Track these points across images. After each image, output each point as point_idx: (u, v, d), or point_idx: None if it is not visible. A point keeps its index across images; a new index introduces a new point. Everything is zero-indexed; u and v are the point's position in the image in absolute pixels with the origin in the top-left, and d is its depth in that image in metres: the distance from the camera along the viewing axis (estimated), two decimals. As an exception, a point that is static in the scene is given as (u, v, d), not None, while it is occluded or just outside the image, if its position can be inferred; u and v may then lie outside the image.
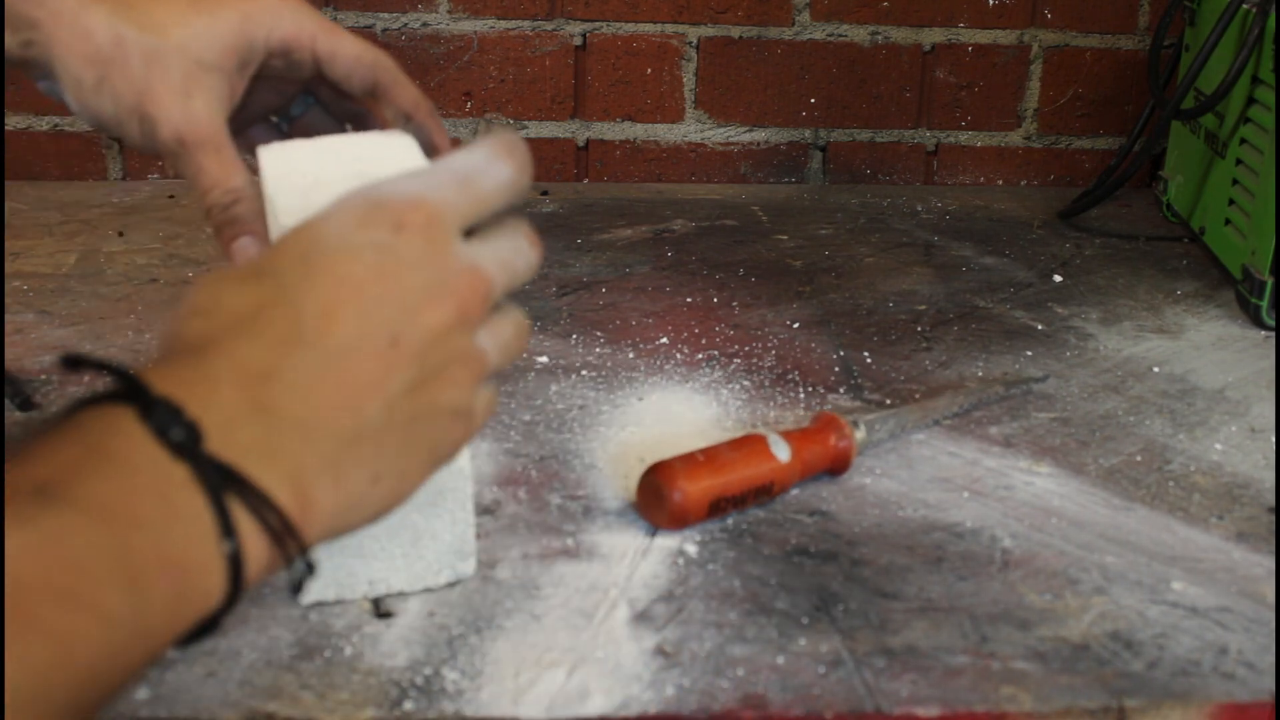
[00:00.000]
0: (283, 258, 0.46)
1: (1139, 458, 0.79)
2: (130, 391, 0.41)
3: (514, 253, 0.51)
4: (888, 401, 0.85)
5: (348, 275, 0.45)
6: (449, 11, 1.26)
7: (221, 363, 0.42)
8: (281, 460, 0.42)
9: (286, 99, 0.68)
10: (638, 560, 0.66)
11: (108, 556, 0.36)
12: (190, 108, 0.59)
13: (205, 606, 0.40)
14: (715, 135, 1.32)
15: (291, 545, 0.42)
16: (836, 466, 0.74)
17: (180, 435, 0.40)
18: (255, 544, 0.41)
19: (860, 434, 0.75)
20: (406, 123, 0.67)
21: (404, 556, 0.62)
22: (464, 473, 0.61)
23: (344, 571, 0.61)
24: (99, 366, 0.42)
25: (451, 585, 0.63)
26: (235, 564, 0.40)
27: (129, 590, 0.37)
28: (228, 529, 0.39)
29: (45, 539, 0.36)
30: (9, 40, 0.59)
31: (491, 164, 0.50)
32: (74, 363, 0.42)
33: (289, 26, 0.62)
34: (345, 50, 0.64)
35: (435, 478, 0.59)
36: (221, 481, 0.40)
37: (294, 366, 0.43)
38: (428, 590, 0.63)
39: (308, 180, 0.56)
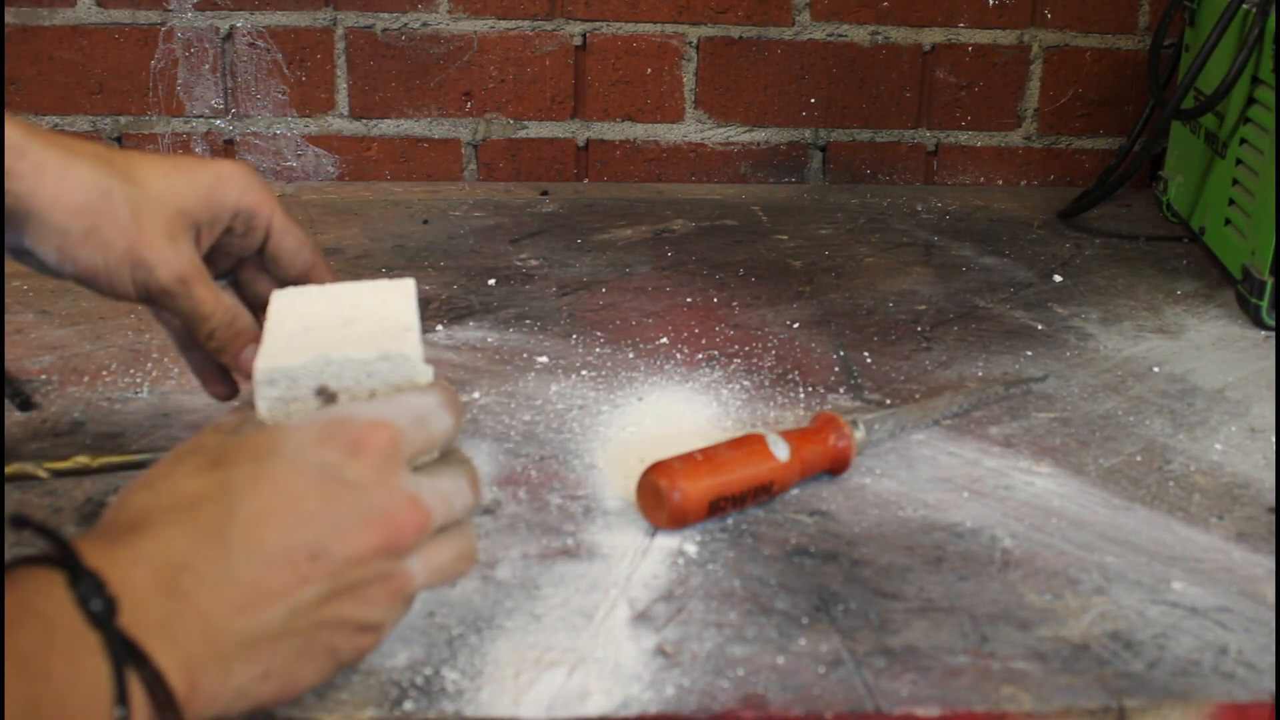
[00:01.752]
0: (240, 455, 0.50)
1: (1139, 458, 0.79)
2: (65, 559, 0.45)
3: (455, 492, 0.54)
4: (888, 401, 0.85)
5: (289, 488, 0.49)
6: (449, 11, 1.26)
7: (149, 545, 0.47)
8: (179, 645, 0.45)
9: (225, 267, 0.71)
10: (638, 560, 0.66)
11: (20, 701, 0.41)
12: (180, 249, 0.63)
13: None
14: (715, 135, 1.32)
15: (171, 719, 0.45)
16: (836, 466, 0.74)
17: (99, 607, 0.44)
18: (142, 715, 0.44)
19: (860, 434, 0.75)
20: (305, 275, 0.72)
21: None
22: None
23: None
24: (42, 531, 0.45)
25: (455, 588, 0.63)
26: None
27: None
28: (122, 697, 0.43)
29: None
30: None
31: (440, 411, 0.54)
32: (20, 523, 0.46)
33: (255, 195, 0.66)
34: (295, 231, 0.70)
35: None
36: (125, 655, 0.44)
37: (211, 563, 0.47)
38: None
39: (300, 325, 0.60)
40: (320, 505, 0.49)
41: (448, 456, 0.55)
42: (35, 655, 0.42)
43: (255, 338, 0.67)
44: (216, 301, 0.65)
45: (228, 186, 0.65)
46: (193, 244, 0.64)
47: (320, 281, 0.71)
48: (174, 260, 0.63)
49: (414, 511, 0.51)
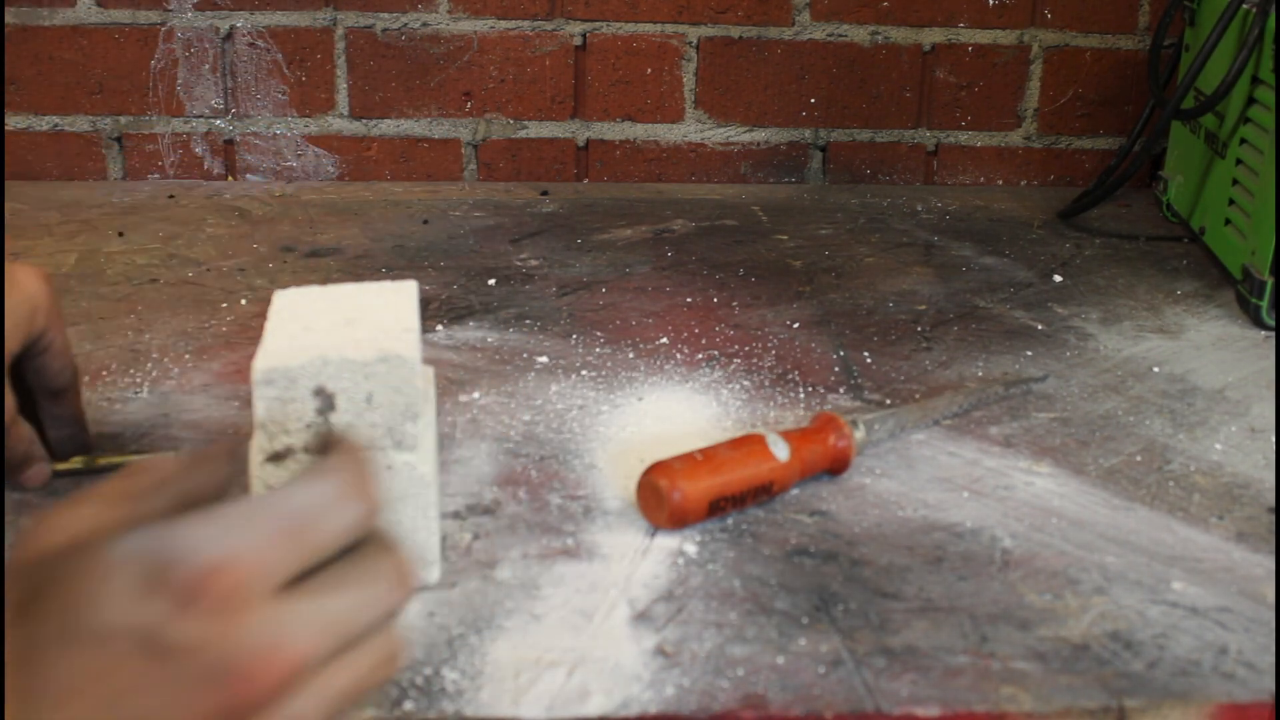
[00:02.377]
0: (48, 608, 0.40)
1: (1139, 458, 0.79)
2: None
3: (356, 608, 0.43)
4: (888, 401, 0.85)
5: (98, 662, 0.39)
6: (449, 11, 1.26)
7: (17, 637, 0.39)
8: None
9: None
10: (638, 560, 0.66)
11: None
12: None
13: None
14: (715, 135, 1.32)
15: None
16: (836, 466, 0.74)
17: None
18: None
19: (860, 434, 0.75)
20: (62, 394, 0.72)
21: None
22: (425, 480, 0.61)
23: None
24: None
25: (455, 588, 0.63)
26: None
27: None
28: None
29: None
30: None
31: (336, 506, 0.43)
32: None
33: (50, 310, 0.67)
34: (67, 344, 0.70)
35: (394, 483, 0.60)
36: None
37: (58, 660, 0.39)
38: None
39: (300, 325, 0.60)
40: (136, 681, 0.39)
41: (362, 550, 0.44)
42: None
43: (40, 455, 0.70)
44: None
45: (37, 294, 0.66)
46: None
47: (73, 405, 0.73)
48: None
49: (272, 660, 0.40)
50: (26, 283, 0.67)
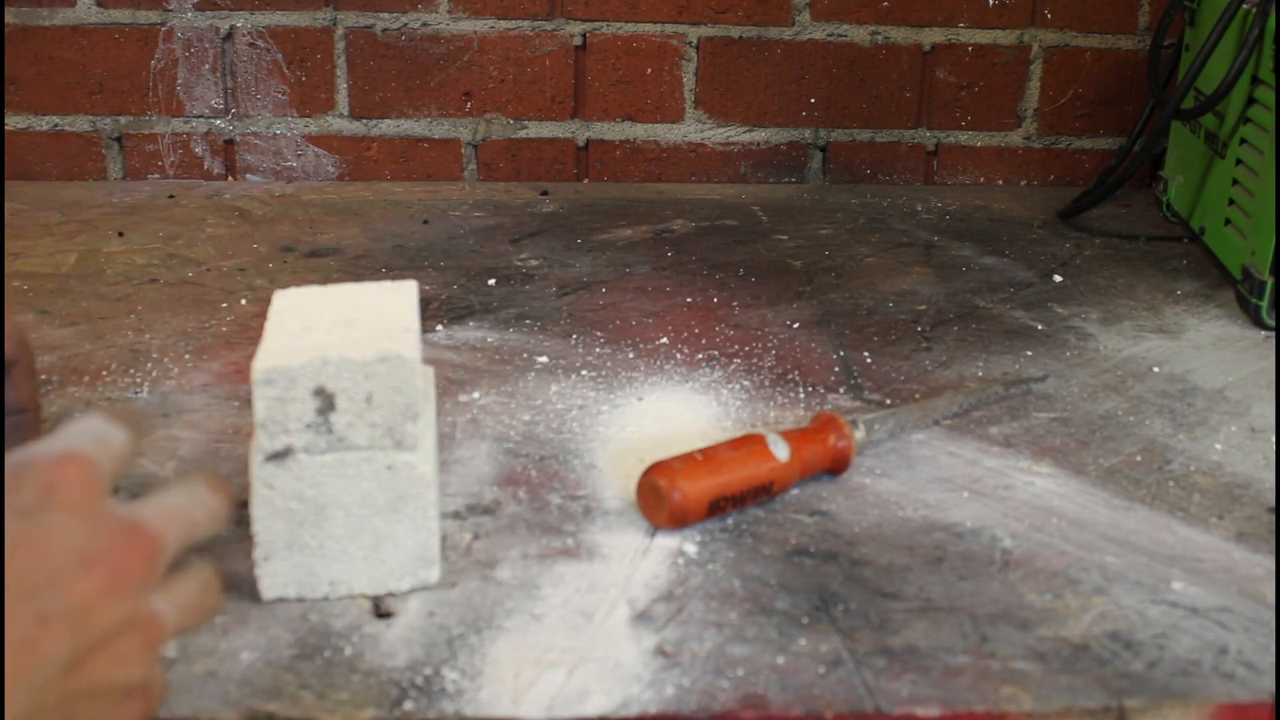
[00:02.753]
0: None
1: (1139, 458, 0.79)
2: None
3: (189, 503, 0.48)
4: (888, 401, 0.85)
5: None
6: (449, 11, 1.26)
7: None
8: None
9: None
10: (638, 560, 0.66)
11: None
12: None
13: None
14: (715, 135, 1.32)
15: None
16: (836, 466, 0.74)
17: None
18: None
19: (860, 434, 0.75)
20: (19, 415, 0.67)
21: (365, 560, 0.62)
22: (425, 480, 0.61)
23: (304, 570, 0.61)
24: None
25: (455, 588, 0.63)
26: None
27: None
28: None
29: None
30: None
31: (114, 430, 0.48)
32: None
33: None
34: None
35: (394, 483, 0.60)
36: None
37: None
38: (391, 594, 0.63)
39: (300, 325, 0.60)
40: (27, 562, 0.42)
41: (180, 476, 0.49)
42: None
43: None
44: None
45: None
46: None
47: (18, 383, 0.67)
48: None
49: (137, 537, 0.45)
50: None
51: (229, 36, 1.25)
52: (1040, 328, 0.98)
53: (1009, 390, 0.86)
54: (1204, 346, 0.95)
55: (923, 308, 1.01)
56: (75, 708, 0.42)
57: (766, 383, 0.87)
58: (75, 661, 0.42)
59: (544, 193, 1.28)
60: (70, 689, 0.42)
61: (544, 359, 0.89)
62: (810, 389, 0.86)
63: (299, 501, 0.60)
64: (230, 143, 1.29)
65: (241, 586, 0.63)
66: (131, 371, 0.86)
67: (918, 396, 0.85)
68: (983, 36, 1.30)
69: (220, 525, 0.50)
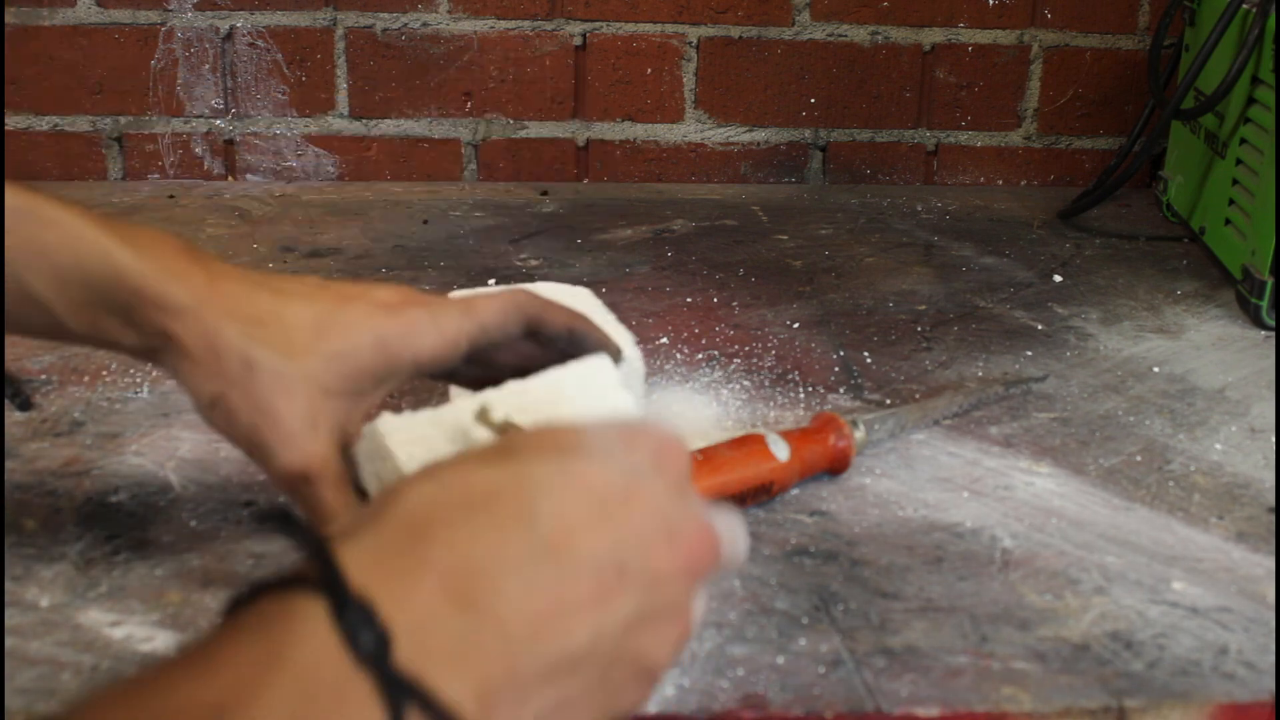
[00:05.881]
0: (539, 447, 0.44)
1: (1139, 458, 0.79)
2: (323, 581, 0.38)
3: (734, 535, 0.48)
4: (888, 401, 0.85)
5: (599, 489, 0.43)
6: (449, 11, 1.26)
7: (435, 550, 0.39)
8: (473, 665, 0.38)
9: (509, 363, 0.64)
10: (638, 560, 0.66)
11: None
12: (311, 440, 0.56)
13: None
14: (715, 135, 1.32)
15: None
16: (836, 467, 0.74)
17: (369, 643, 0.37)
18: None
19: (859, 434, 0.75)
20: (569, 336, 0.64)
21: None
22: None
23: None
24: (298, 536, 0.39)
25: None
26: None
27: None
28: None
29: None
30: (134, 339, 0.56)
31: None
32: (274, 520, 0.40)
33: (429, 342, 0.57)
34: (491, 320, 0.60)
35: None
36: (404, 696, 0.36)
37: (513, 565, 0.40)
38: None
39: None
40: (629, 516, 0.43)
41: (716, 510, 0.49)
42: (294, 711, 0.35)
43: None
44: (341, 506, 0.57)
45: (393, 346, 0.56)
46: (334, 429, 0.57)
47: (549, 323, 0.63)
48: (299, 454, 0.55)
49: (708, 536, 0.45)
50: (396, 316, 0.58)
51: (229, 36, 1.25)
52: (1040, 328, 0.98)
53: (1009, 390, 0.86)
54: (1204, 346, 0.95)
55: (923, 308, 1.01)
56: (615, 669, 0.43)
57: (766, 383, 0.87)
58: (632, 625, 0.42)
59: (544, 193, 1.28)
60: (621, 649, 0.42)
61: (544, 359, 0.89)
62: (810, 389, 0.86)
63: None
64: (230, 143, 1.29)
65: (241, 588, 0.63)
66: (131, 371, 0.86)
67: (918, 396, 0.85)
68: (983, 36, 1.30)
69: (738, 567, 0.50)
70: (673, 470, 0.45)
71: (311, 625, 0.37)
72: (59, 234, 0.55)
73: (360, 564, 0.38)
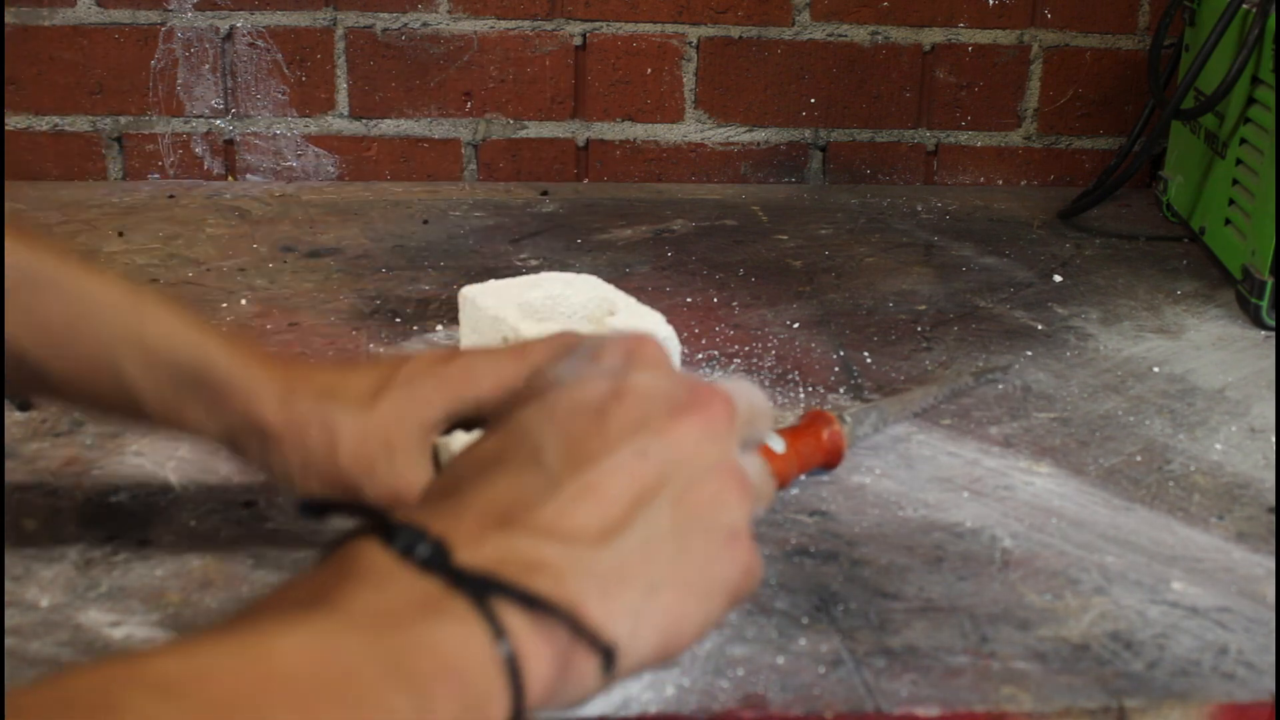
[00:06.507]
0: (522, 403, 0.47)
1: (1139, 458, 0.79)
2: (374, 525, 0.41)
3: (740, 386, 0.51)
4: (873, 399, 0.85)
5: (588, 402, 0.46)
6: (449, 11, 1.26)
7: (465, 499, 0.43)
8: (540, 567, 0.40)
9: None
10: (638, 560, 0.66)
11: (382, 660, 0.36)
12: (394, 476, 0.57)
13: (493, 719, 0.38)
14: (715, 135, 1.32)
15: (582, 636, 0.40)
16: (830, 460, 0.74)
17: (426, 552, 0.39)
18: (533, 646, 0.39)
19: (848, 426, 0.75)
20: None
21: None
22: None
23: None
24: (346, 510, 0.43)
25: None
26: (513, 669, 0.38)
27: (411, 694, 0.36)
28: (499, 631, 0.38)
29: (315, 639, 0.36)
30: (215, 426, 0.59)
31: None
32: (318, 510, 0.44)
33: (489, 384, 0.58)
34: (544, 361, 0.59)
35: None
36: (482, 587, 0.39)
37: (539, 496, 0.42)
38: None
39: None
40: (624, 408, 0.45)
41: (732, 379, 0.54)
42: (380, 612, 0.37)
43: None
44: None
45: (454, 390, 0.58)
46: (422, 459, 0.58)
47: None
48: (386, 487, 0.57)
49: (715, 394, 0.47)
50: (452, 362, 0.59)
51: (229, 36, 1.25)
52: (1040, 328, 0.98)
53: (978, 381, 0.86)
54: (1204, 346, 0.95)
55: (923, 308, 1.01)
56: (689, 540, 0.44)
57: (766, 383, 0.87)
58: (679, 496, 0.44)
59: (544, 193, 1.28)
60: (680, 522, 0.44)
61: (544, 359, 0.89)
62: (810, 389, 0.86)
63: None
64: (230, 143, 1.29)
65: (240, 587, 0.63)
66: (131, 371, 0.86)
67: (897, 391, 0.85)
68: (983, 36, 1.30)
69: (770, 426, 0.54)
70: (650, 359, 0.48)
71: (371, 551, 0.40)
72: (157, 327, 0.58)
73: (401, 516, 0.41)
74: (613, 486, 0.43)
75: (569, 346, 0.59)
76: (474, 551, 0.40)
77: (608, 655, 0.41)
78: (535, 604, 0.39)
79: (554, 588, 0.40)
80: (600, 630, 0.41)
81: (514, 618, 0.39)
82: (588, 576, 0.41)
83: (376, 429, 0.57)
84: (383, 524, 0.40)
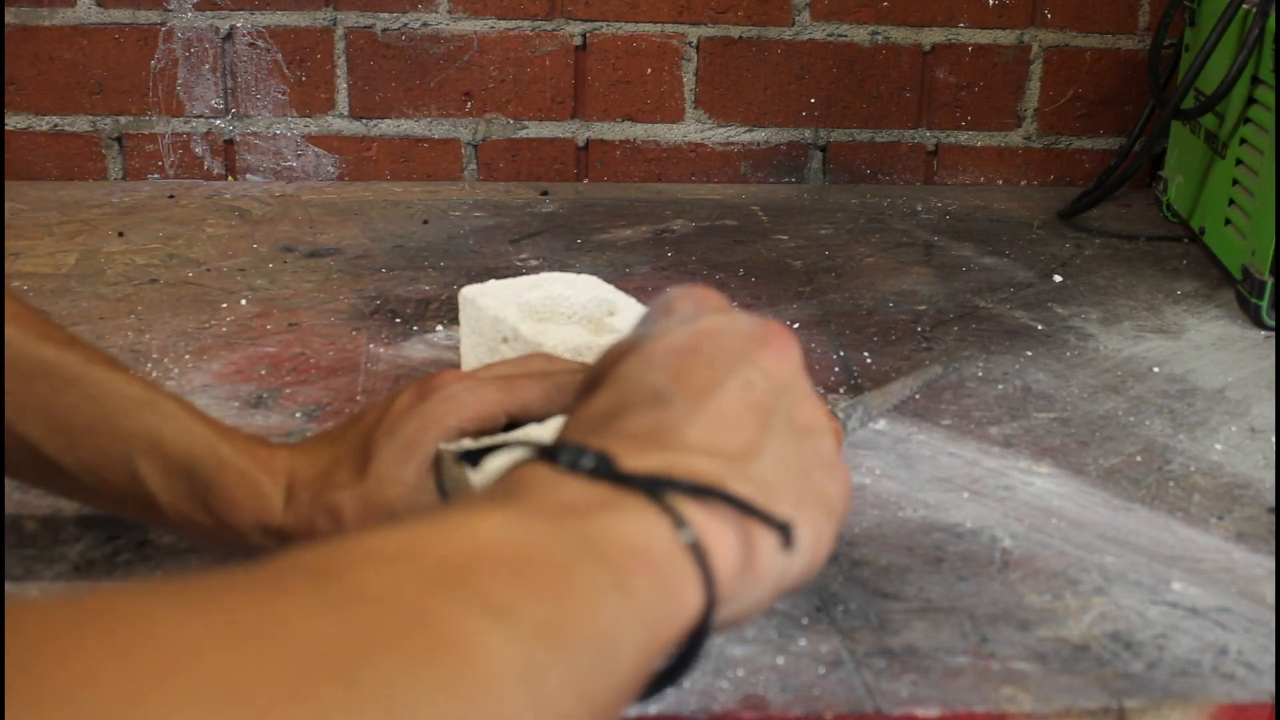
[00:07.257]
0: (611, 364, 0.48)
1: (1139, 458, 0.79)
2: (534, 455, 0.42)
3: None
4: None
5: (677, 344, 0.46)
6: (449, 11, 1.26)
7: (612, 430, 0.44)
8: (699, 473, 0.42)
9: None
10: (638, 560, 0.66)
11: (575, 542, 0.37)
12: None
13: (688, 608, 0.39)
14: (715, 135, 1.32)
15: (757, 516, 0.42)
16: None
17: (591, 463, 0.41)
18: (714, 535, 0.41)
19: (840, 418, 0.75)
20: None
21: None
22: None
23: None
24: (503, 446, 0.46)
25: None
26: (700, 554, 0.40)
27: (608, 570, 0.37)
28: (679, 520, 0.40)
29: (510, 522, 0.37)
30: (224, 536, 0.59)
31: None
32: (476, 457, 0.45)
33: (470, 413, 0.59)
34: (532, 400, 0.62)
35: None
36: (653, 485, 0.40)
37: (679, 419, 0.44)
38: None
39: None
40: (714, 344, 0.46)
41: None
42: (560, 507, 0.39)
43: None
44: None
45: (435, 423, 0.59)
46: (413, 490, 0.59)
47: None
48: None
49: (780, 325, 0.49)
50: (430, 387, 0.61)
51: (229, 36, 1.25)
52: (1040, 328, 0.98)
53: (946, 370, 0.87)
54: (1204, 346, 0.95)
55: (923, 308, 1.01)
56: (806, 461, 0.46)
57: (766, 383, 0.87)
58: (788, 419, 0.46)
59: (544, 193, 1.28)
60: (796, 445, 0.46)
61: (544, 359, 0.89)
62: (810, 389, 0.86)
63: None
64: (230, 143, 1.29)
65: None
66: (131, 370, 0.86)
67: (871, 386, 0.85)
68: (983, 36, 1.30)
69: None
70: (716, 303, 0.49)
71: (536, 471, 0.41)
72: (174, 427, 0.59)
73: (559, 439, 0.43)
74: (735, 413, 0.45)
75: (561, 389, 0.61)
76: (637, 462, 0.41)
77: (785, 532, 0.42)
78: (709, 493, 0.41)
79: (720, 487, 0.42)
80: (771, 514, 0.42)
81: (690, 509, 0.40)
82: (746, 483, 0.43)
83: (375, 496, 0.58)
84: (544, 449, 0.42)
